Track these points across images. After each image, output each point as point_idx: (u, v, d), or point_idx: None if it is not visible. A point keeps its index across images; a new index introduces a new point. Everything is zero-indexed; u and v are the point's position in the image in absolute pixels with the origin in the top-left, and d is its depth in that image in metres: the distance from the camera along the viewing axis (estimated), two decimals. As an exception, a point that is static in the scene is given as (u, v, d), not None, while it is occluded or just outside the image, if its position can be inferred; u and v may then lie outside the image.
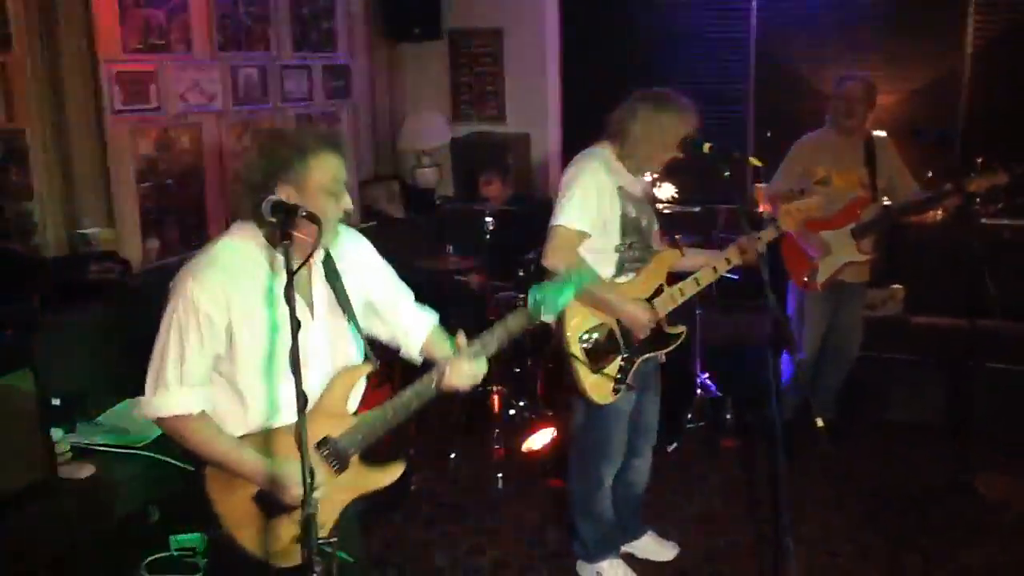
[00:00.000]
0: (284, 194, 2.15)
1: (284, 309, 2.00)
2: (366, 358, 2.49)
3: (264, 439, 2.28)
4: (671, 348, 3.48)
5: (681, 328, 3.49)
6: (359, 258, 2.54)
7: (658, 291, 3.38)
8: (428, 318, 2.63)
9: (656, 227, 3.50)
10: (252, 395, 2.28)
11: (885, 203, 4.51)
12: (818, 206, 3.49)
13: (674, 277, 3.45)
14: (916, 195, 4.42)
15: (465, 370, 2.46)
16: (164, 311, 2.23)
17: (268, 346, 2.25)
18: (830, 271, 4.44)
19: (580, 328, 3.28)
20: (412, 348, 2.61)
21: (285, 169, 2.18)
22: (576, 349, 3.27)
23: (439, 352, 2.57)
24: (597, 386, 3.30)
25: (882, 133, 4.63)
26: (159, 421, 2.22)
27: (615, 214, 3.26)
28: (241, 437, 2.27)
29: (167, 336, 2.19)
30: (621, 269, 3.33)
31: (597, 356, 3.31)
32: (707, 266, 3.39)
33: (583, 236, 3.21)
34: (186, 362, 2.19)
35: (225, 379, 2.27)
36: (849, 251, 4.42)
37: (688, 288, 3.39)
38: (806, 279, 4.43)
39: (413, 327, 2.61)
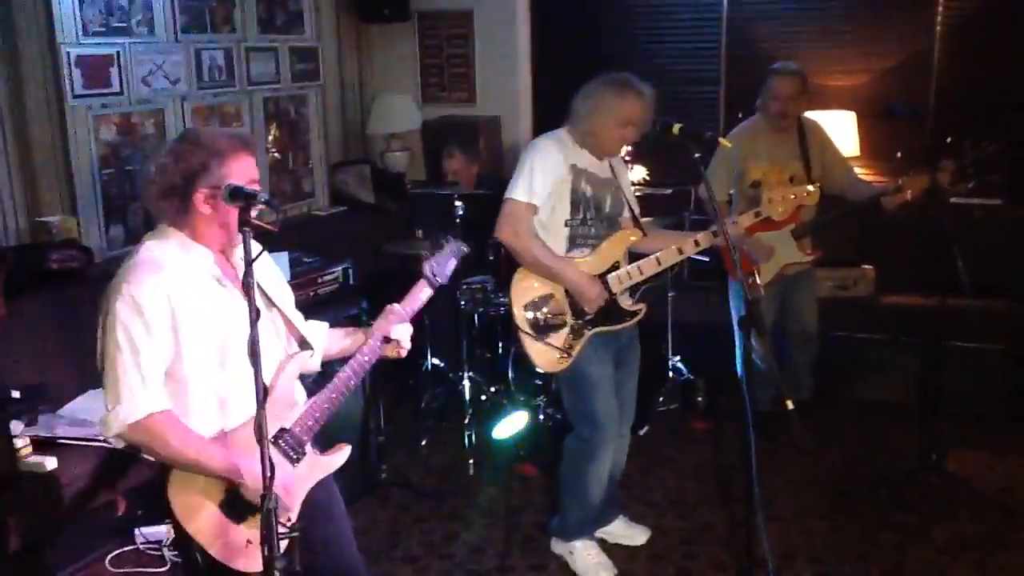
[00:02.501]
0: (203, 196, 2.21)
1: (222, 302, 2.12)
2: (303, 346, 2.51)
3: (226, 437, 2.26)
4: (627, 325, 3.54)
5: (640, 306, 3.53)
6: (264, 264, 2.54)
7: (613, 267, 3.44)
8: (323, 324, 2.66)
9: (626, 210, 3.55)
10: (203, 392, 2.25)
11: (822, 190, 4.46)
12: (810, 194, 3.43)
13: (638, 257, 3.48)
14: (853, 190, 4.40)
15: (403, 333, 2.59)
16: (102, 322, 2.21)
17: (213, 340, 2.24)
18: (772, 273, 4.40)
19: (526, 296, 3.40)
20: (314, 356, 2.60)
21: (203, 173, 2.21)
22: (520, 316, 3.39)
23: (351, 343, 2.62)
24: (542, 354, 3.41)
25: (811, 115, 4.58)
26: (135, 426, 2.16)
27: (565, 190, 3.37)
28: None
29: (116, 345, 2.16)
30: (573, 244, 3.43)
31: (545, 325, 3.39)
32: (672, 247, 3.40)
33: (532, 209, 3.34)
34: (145, 363, 2.16)
35: (174, 379, 2.23)
36: (791, 252, 4.39)
37: (648, 267, 3.42)
38: (749, 281, 4.38)
39: (312, 334, 2.61)
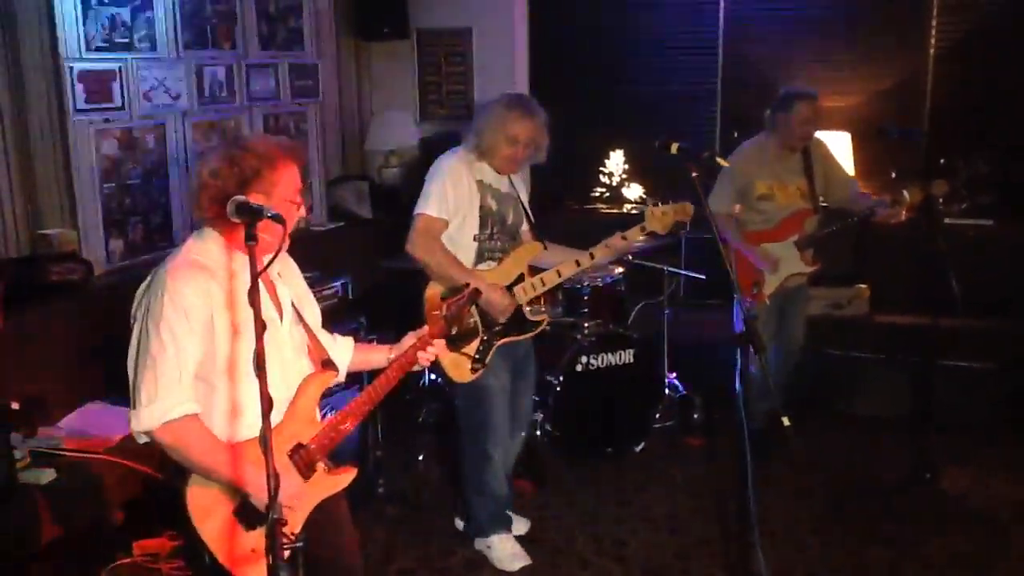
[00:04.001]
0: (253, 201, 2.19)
1: (263, 308, 2.05)
2: (327, 365, 2.56)
3: (248, 445, 2.28)
4: (532, 334, 3.72)
5: (543, 316, 3.74)
6: (294, 278, 2.61)
7: (518, 280, 3.59)
8: (348, 339, 2.73)
9: (524, 224, 3.74)
10: (229, 397, 2.29)
11: (824, 206, 4.59)
12: (685, 211, 3.58)
13: (538, 270, 3.67)
14: (854, 203, 4.50)
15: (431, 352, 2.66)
16: (142, 317, 2.23)
17: (246, 346, 2.26)
18: (777, 283, 4.48)
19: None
20: (339, 368, 2.67)
21: (256, 179, 2.25)
22: None
23: (375, 359, 2.71)
24: (455, 365, 3.52)
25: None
26: (164, 427, 2.19)
27: (473, 205, 3.51)
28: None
29: (156, 338, 2.18)
30: (481, 257, 3.56)
31: (457, 336, 3.44)
32: (571, 260, 3.59)
33: (442, 224, 3.46)
34: (182, 359, 2.20)
35: (202, 382, 2.27)
36: (795, 263, 4.49)
37: (549, 278, 3.61)
38: (753, 291, 4.46)
39: (339, 349, 2.69)
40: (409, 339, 2.65)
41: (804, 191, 4.47)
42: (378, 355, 2.70)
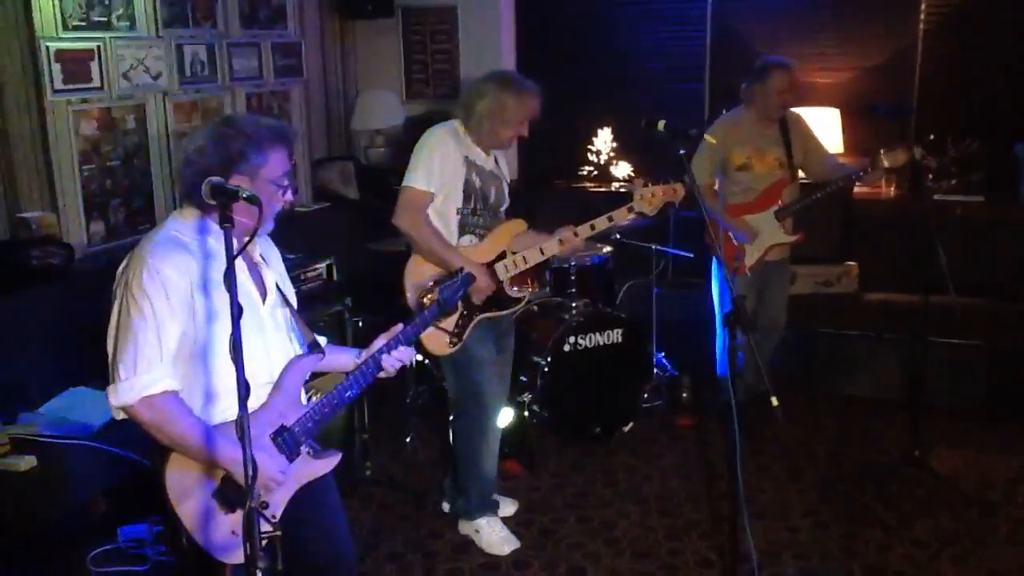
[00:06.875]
0: (235, 183, 2.15)
1: (242, 289, 2.05)
2: (314, 347, 2.52)
3: (230, 426, 2.23)
4: (513, 310, 3.73)
5: (524, 292, 3.75)
6: (276, 264, 2.58)
7: (500, 256, 3.59)
8: (322, 338, 2.66)
9: (505, 202, 3.74)
10: (208, 377, 2.26)
11: (803, 180, 4.60)
12: (675, 192, 3.58)
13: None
14: (833, 171, 4.47)
15: (399, 355, 2.56)
16: (122, 293, 2.20)
17: (223, 326, 2.21)
18: (757, 254, 4.48)
19: (420, 282, 3.49)
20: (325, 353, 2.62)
21: (241, 161, 2.23)
22: (414, 301, 3.48)
23: (341, 361, 2.61)
24: (433, 339, 3.51)
25: (795, 110, 4.63)
26: (142, 402, 2.16)
27: (458, 180, 3.52)
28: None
29: (136, 314, 2.16)
30: (463, 231, 3.57)
31: None
32: (553, 239, 3.59)
33: (429, 196, 3.47)
34: (163, 335, 2.17)
35: (183, 361, 2.23)
36: (774, 233, 4.47)
37: (532, 256, 3.60)
38: (735, 264, 4.45)
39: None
40: (379, 341, 2.59)
41: (783, 161, 4.47)
42: (346, 357, 2.62)
